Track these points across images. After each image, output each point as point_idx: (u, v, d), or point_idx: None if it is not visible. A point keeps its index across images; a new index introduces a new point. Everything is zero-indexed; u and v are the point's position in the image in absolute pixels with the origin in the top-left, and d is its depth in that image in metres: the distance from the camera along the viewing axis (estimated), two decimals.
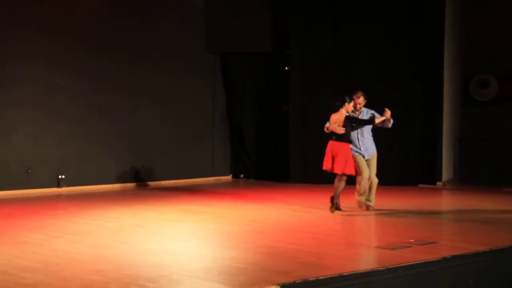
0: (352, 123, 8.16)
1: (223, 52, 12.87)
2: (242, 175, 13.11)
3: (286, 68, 12.60)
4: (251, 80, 13.10)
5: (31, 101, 10.68)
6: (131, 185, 11.65)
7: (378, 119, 8.25)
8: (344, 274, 5.01)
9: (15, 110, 10.53)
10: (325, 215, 8.09)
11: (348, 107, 8.18)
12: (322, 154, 11.89)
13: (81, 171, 11.19)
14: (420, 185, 11.16)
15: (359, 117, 8.37)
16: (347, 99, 8.21)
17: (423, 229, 7.11)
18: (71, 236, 6.74)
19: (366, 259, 5.53)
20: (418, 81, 11.38)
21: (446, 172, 11.52)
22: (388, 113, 8.22)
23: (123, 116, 11.62)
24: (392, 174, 11.38)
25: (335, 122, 8.17)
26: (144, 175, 11.88)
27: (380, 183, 11.19)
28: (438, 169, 11.25)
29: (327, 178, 11.74)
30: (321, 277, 4.88)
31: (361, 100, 8.35)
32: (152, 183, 11.84)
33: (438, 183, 11.23)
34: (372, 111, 8.44)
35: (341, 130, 8.08)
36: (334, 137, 8.17)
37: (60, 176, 10.93)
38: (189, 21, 12.38)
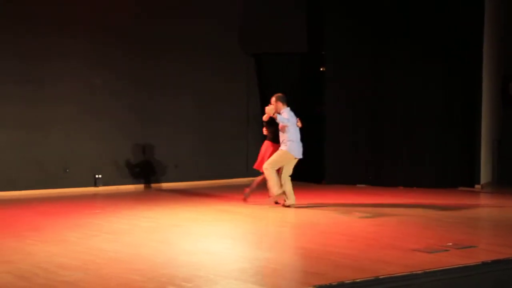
0: (266, 124, 9.02)
1: (258, 52, 12.88)
2: None
3: (322, 69, 12.54)
4: (286, 80, 13.05)
5: (69, 100, 10.85)
6: (165, 184, 11.74)
7: (264, 117, 8.97)
8: (381, 277, 4.96)
9: (53, 109, 10.72)
10: (359, 216, 8.02)
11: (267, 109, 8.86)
12: (357, 155, 11.93)
13: (118, 170, 11.32)
14: (463, 188, 11.00)
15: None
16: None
17: (461, 233, 7.00)
18: (108, 235, 6.83)
19: (403, 262, 5.45)
20: (456, 82, 11.19)
21: (485, 175, 11.31)
22: (267, 108, 8.82)
23: (159, 116, 11.73)
24: (430, 176, 11.26)
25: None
26: (178, 175, 11.96)
27: (417, 185, 11.23)
28: (477, 172, 11.05)
29: (362, 180, 11.76)
30: (357, 280, 4.84)
31: (272, 102, 8.87)
32: (186, 183, 11.91)
33: (477, 186, 11.04)
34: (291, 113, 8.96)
35: (264, 132, 9.12)
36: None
37: (97, 176, 11.09)
38: (225, 22, 12.42)
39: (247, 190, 9.36)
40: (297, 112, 13.01)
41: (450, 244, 6.19)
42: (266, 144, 9.15)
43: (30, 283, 4.84)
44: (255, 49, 12.80)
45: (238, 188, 9.32)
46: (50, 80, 10.68)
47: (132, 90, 11.45)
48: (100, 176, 11.10)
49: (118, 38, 11.29)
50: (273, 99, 8.95)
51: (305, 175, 12.48)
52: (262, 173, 8.99)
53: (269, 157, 8.95)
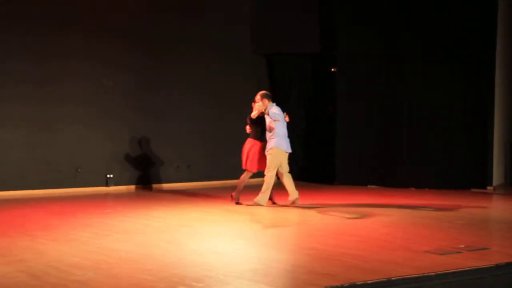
0: (251, 122, 9.02)
1: (270, 53, 12.88)
2: None
3: (333, 69, 12.51)
4: (297, 81, 13.06)
5: (81, 100, 10.92)
6: (176, 185, 11.77)
7: (253, 114, 8.92)
8: (393, 278, 4.93)
9: (66, 109, 10.78)
10: (371, 218, 8.00)
11: (254, 107, 8.94)
12: (370, 156, 11.89)
13: (129, 170, 11.36)
14: (475, 190, 10.93)
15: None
16: (255, 99, 8.94)
17: (473, 235, 6.94)
18: (119, 234, 6.84)
19: (415, 264, 5.41)
20: (469, 83, 11.13)
21: (497, 176, 11.23)
22: (257, 105, 8.81)
23: (170, 116, 11.77)
24: (442, 177, 11.20)
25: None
26: (188, 175, 11.99)
27: (429, 186, 11.17)
28: (489, 173, 10.98)
29: (374, 181, 11.72)
30: (368, 281, 4.81)
31: (257, 100, 8.88)
32: (196, 184, 11.94)
33: (489, 188, 10.97)
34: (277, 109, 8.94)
35: (247, 130, 9.12)
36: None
37: (108, 175, 11.13)
38: (236, 22, 12.43)
39: (234, 193, 9.22)
40: (308, 112, 13.10)
41: (463, 246, 6.14)
42: (250, 142, 9.13)
43: (42, 282, 4.86)
44: (267, 50, 12.80)
45: (248, 189, 9.30)
46: (63, 80, 10.74)
47: (143, 90, 11.50)
48: (111, 176, 11.14)
49: (129, 38, 11.34)
50: (258, 96, 8.95)
51: (317, 176, 12.52)
52: (246, 170, 9.07)
53: (250, 154, 8.97)
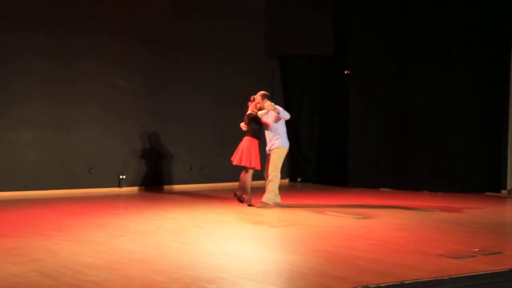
0: (252, 121, 9.11)
1: (283, 55, 12.88)
2: (299, 179, 13.06)
3: (346, 72, 12.49)
4: (310, 83, 13.05)
5: (94, 101, 10.97)
6: (188, 186, 11.78)
7: (261, 113, 9.08)
8: (405, 282, 4.91)
9: (78, 110, 10.83)
10: (384, 220, 7.97)
11: (250, 106, 9.14)
12: (381, 159, 11.84)
13: (141, 171, 11.40)
14: (489, 193, 10.85)
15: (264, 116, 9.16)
16: (251, 98, 9.16)
17: (487, 238, 6.89)
18: (132, 235, 6.87)
19: (428, 267, 5.38)
20: (483, 86, 11.05)
21: (511, 180, 11.13)
22: (267, 104, 8.91)
23: (183, 117, 11.80)
24: (455, 180, 11.14)
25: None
26: (200, 176, 12.01)
27: (442, 190, 11.10)
28: (503, 177, 10.90)
29: (386, 183, 11.68)
30: (381, 284, 4.79)
31: (257, 100, 9.07)
32: (208, 185, 11.95)
33: (503, 191, 10.89)
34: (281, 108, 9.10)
35: (243, 128, 9.15)
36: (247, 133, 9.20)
37: (121, 176, 11.17)
38: (249, 24, 12.45)
39: (246, 196, 9.26)
40: (321, 114, 13.06)
41: (477, 250, 6.11)
42: (248, 140, 9.16)
43: (56, 281, 4.89)
44: (280, 52, 12.80)
45: (259, 191, 9.30)
46: (75, 80, 10.80)
47: (156, 91, 11.54)
48: (124, 177, 11.19)
49: (141, 39, 11.38)
50: (259, 97, 9.10)
51: (330, 178, 12.48)
52: (247, 169, 9.14)
53: (252, 152, 9.05)
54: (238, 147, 9.25)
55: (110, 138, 11.09)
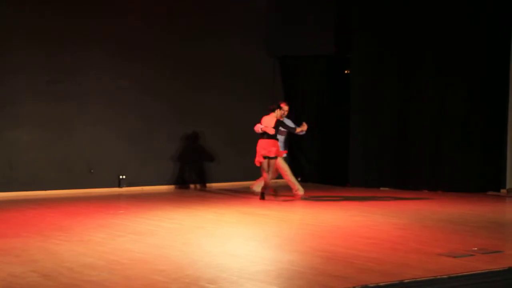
0: (280, 127, 9.78)
1: (283, 55, 12.88)
2: (299, 178, 13.03)
3: (346, 71, 12.49)
4: (311, 82, 13.05)
5: (94, 100, 10.98)
6: (189, 186, 11.80)
7: (299, 129, 10.00)
8: (405, 281, 4.92)
9: (78, 109, 10.85)
10: (383, 220, 7.99)
11: (278, 112, 9.82)
12: (381, 158, 11.84)
13: (141, 172, 11.41)
14: (488, 192, 10.85)
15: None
16: (277, 106, 9.87)
17: (486, 238, 6.90)
18: (132, 235, 6.88)
19: (428, 266, 5.40)
20: (483, 86, 11.04)
21: (511, 179, 11.14)
22: (305, 126, 10.00)
23: (184, 117, 11.80)
24: (455, 180, 11.14)
25: (267, 123, 9.76)
26: (200, 177, 12.02)
27: (442, 189, 11.11)
28: (503, 176, 10.90)
29: (387, 183, 11.69)
30: (381, 283, 4.81)
31: (287, 108, 10.02)
32: (209, 185, 11.97)
33: (502, 191, 10.89)
34: (289, 120, 10.18)
35: (272, 131, 9.68)
36: (265, 136, 9.76)
37: (121, 176, 11.18)
38: (250, 24, 12.45)
39: (271, 190, 9.86)
40: (322, 114, 13.06)
41: (476, 249, 6.12)
42: (266, 142, 9.77)
43: (55, 282, 4.90)
44: (280, 52, 12.80)
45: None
46: (75, 79, 10.82)
47: (156, 90, 11.54)
48: (124, 177, 11.20)
49: (143, 37, 11.39)
50: (287, 106, 10.05)
51: (330, 177, 12.50)
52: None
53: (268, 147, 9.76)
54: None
55: (110, 138, 11.10)
